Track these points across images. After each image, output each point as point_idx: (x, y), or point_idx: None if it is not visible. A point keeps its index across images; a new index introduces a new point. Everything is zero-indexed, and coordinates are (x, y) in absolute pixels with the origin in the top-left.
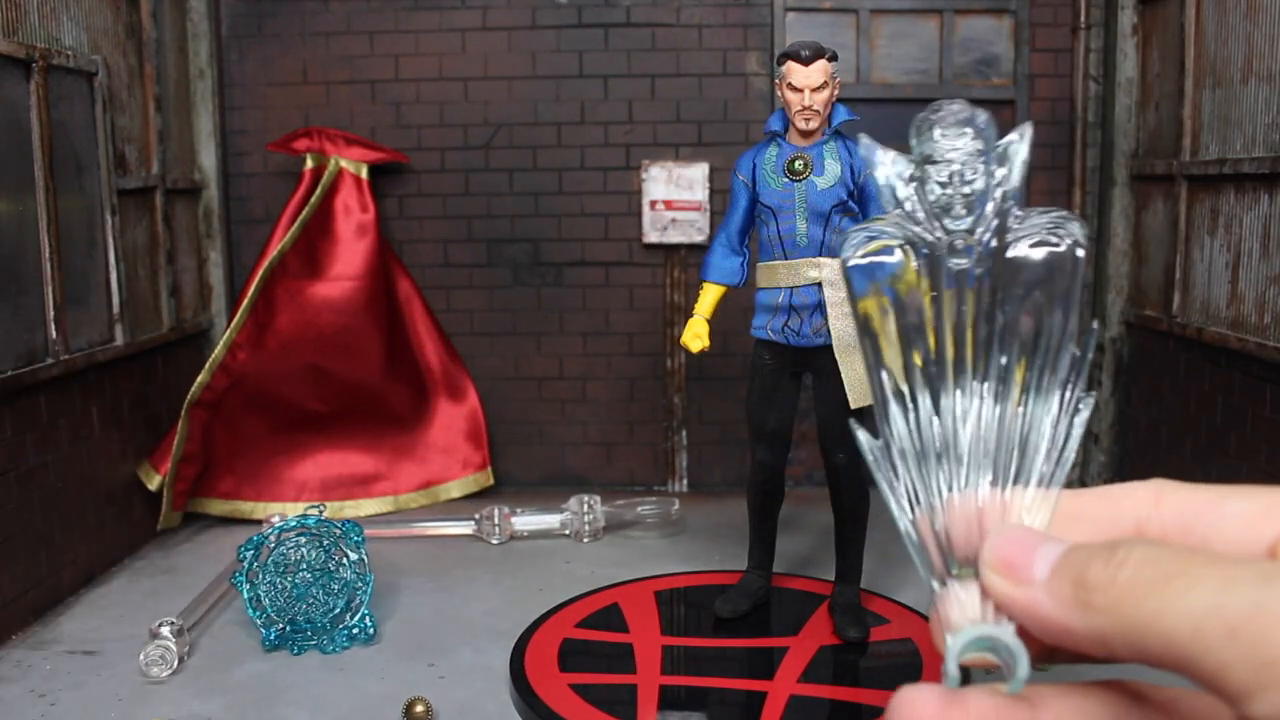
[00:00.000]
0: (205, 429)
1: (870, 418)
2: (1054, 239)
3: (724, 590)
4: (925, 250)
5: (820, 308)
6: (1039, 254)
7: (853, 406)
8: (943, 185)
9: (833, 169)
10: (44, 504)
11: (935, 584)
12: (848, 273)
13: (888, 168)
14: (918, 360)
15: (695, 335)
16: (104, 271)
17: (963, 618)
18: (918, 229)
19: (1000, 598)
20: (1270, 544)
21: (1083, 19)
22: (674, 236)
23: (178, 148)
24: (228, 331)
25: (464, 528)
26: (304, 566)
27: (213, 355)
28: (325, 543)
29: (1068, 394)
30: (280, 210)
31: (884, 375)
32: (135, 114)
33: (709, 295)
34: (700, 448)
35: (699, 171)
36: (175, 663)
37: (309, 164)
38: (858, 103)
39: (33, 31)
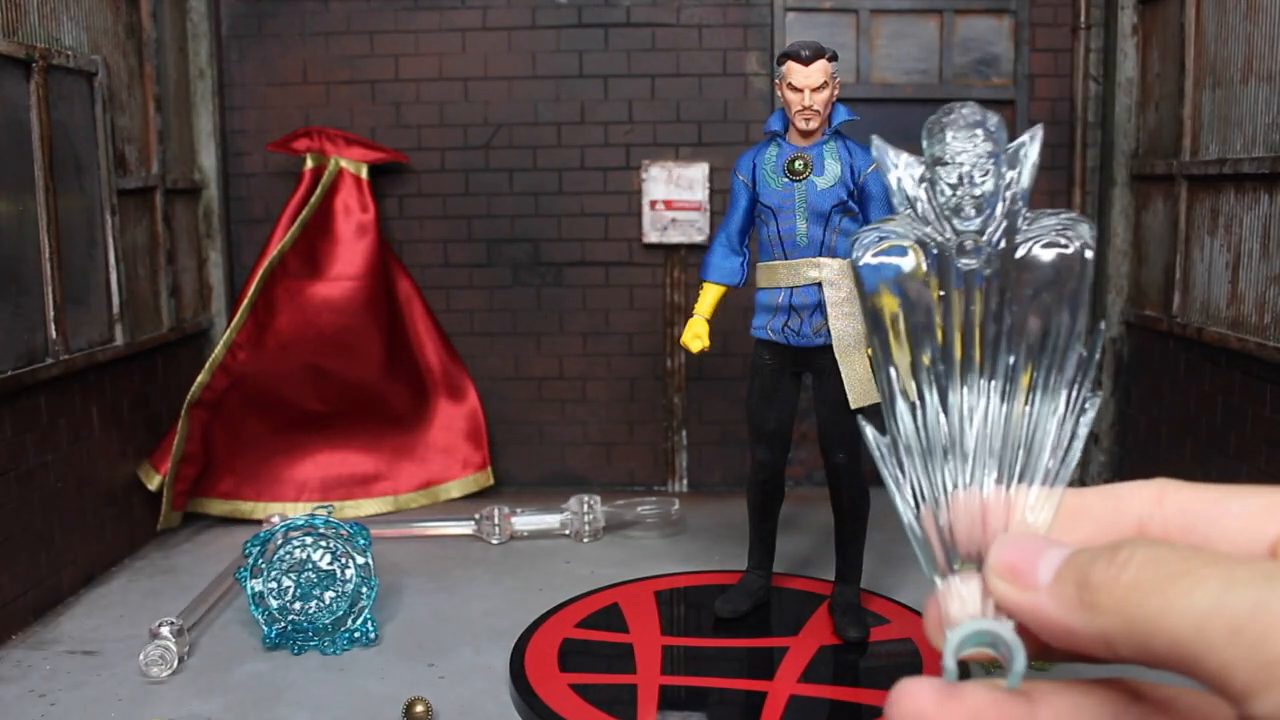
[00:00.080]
0: (205, 429)
1: (872, 416)
2: (1063, 240)
3: (724, 590)
4: (935, 251)
5: (820, 307)
6: (1048, 255)
7: (853, 406)
8: (953, 187)
9: (833, 169)
10: (44, 504)
11: (937, 579)
12: (859, 272)
13: (899, 169)
14: (926, 359)
15: (695, 335)
16: (104, 271)
17: (963, 612)
18: (928, 229)
19: (1005, 603)
20: (1272, 543)
21: (1083, 19)
22: (674, 236)
23: (178, 148)
24: (228, 331)
25: (464, 528)
26: (309, 567)
27: (213, 355)
28: (332, 544)
29: (1074, 393)
30: (280, 210)
31: (892, 373)
32: (135, 114)
33: (709, 295)
34: (700, 448)
35: (699, 171)
36: (175, 663)
37: (309, 164)
38: (858, 103)
39: (33, 31)
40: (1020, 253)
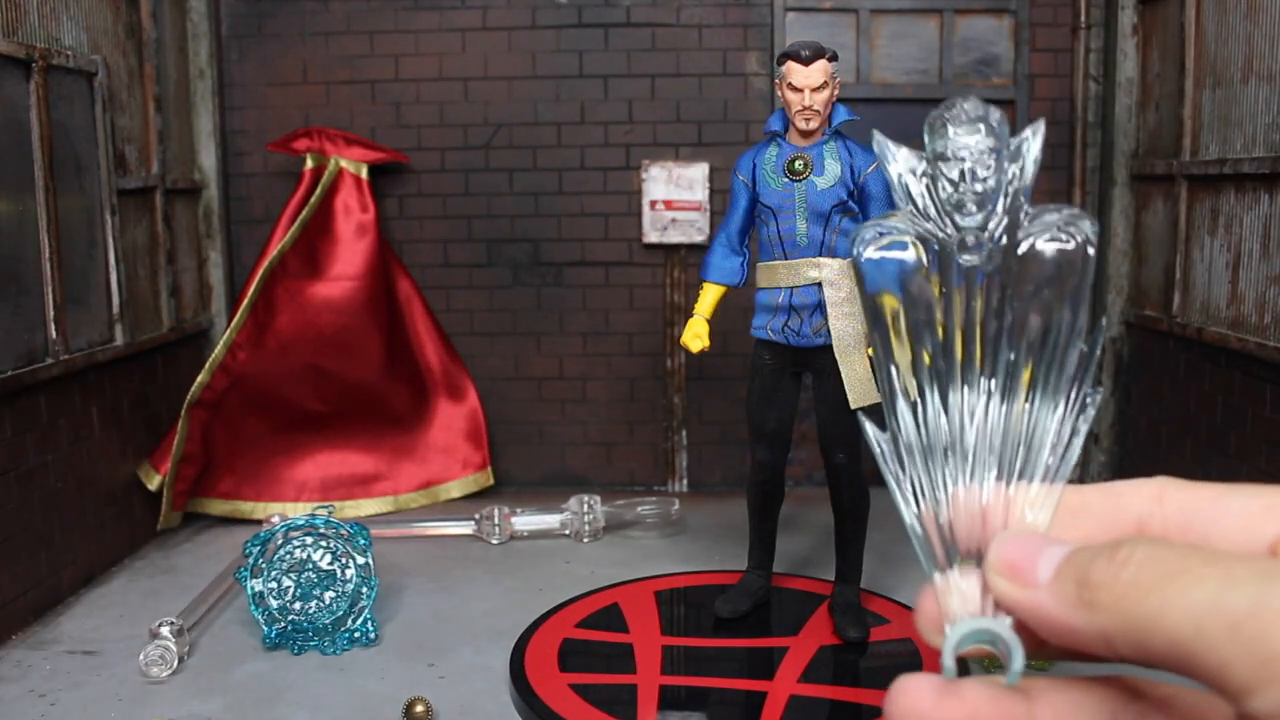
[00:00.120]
0: (205, 429)
1: (872, 415)
2: (1065, 237)
3: (724, 590)
4: (936, 247)
5: (820, 307)
6: (1050, 251)
7: (853, 406)
8: (955, 182)
9: (833, 169)
10: (44, 504)
11: (936, 575)
12: (860, 268)
13: (900, 164)
14: (926, 356)
15: (695, 335)
16: (104, 271)
17: (962, 609)
18: (929, 225)
19: (1005, 600)
20: (1271, 542)
21: (1083, 19)
22: (674, 236)
23: (178, 148)
24: (228, 331)
25: (464, 528)
26: (309, 567)
27: (213, 355)
28: (333, 544)
29: (1074, 391)
30: (280, 210)
31: (893, 370)
32: (135, 114)
33: (709, 295)
34: (700, 448)
35: (699, 171)
36: (175, 663)
37: (309, 164)
38: (858, 103)
39: (33, 31)
40: (1022, 248)
